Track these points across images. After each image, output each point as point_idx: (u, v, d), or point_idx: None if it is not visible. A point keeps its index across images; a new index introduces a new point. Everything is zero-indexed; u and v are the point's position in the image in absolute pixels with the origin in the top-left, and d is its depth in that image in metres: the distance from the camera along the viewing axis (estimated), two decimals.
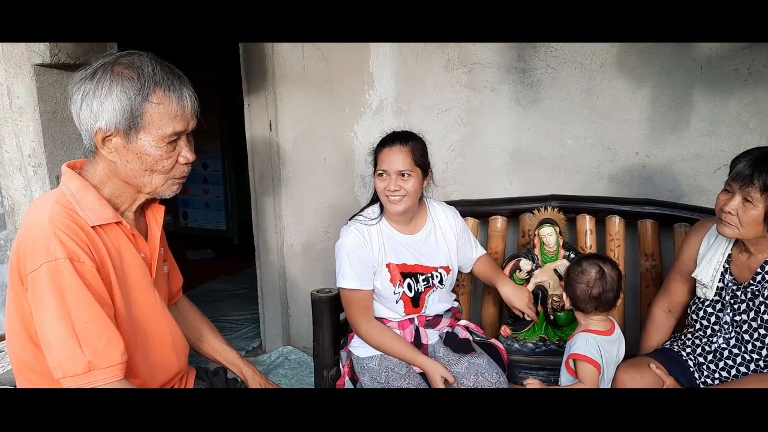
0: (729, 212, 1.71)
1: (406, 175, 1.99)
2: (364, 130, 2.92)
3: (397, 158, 1.99)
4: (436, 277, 2.14)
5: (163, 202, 1.52)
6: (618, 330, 1.98)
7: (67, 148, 2.07)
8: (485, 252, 2.35)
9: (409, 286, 2.09)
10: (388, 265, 2.07)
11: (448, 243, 2.19)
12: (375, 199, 2.15)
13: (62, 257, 1.22)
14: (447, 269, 2.17)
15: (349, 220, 2.15)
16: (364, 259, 2.04)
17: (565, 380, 1.97)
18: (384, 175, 2.01)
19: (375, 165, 2.07)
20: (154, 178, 1.36)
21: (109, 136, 1.30)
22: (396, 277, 2.08)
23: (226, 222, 5.92)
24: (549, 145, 2.60)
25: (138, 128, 1.29)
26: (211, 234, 5.97)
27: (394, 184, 1.99)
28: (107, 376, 1.26)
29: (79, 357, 1.23)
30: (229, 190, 5.79)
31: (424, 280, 2.12)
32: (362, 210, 2.17)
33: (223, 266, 5.18)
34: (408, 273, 2.10)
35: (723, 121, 2.33)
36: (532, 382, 1.96)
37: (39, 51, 2.02)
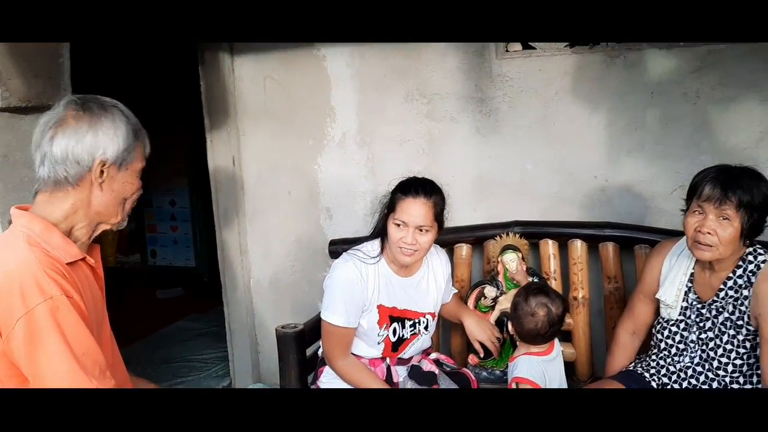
0: (708, 233, 1.74)
1: (424, 230, 1.94)
2: (328, 162, 2.92)
3: (420, 212, 1.92)
4: (423, 323, 2.12)
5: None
6: (557, 347, 2.00)
7: (19, 191, 2.03)
8: (456, 291, 2.36)
9: (394, 330, 2.07)
10: (379, 306, 2.04)
11: (438, 288, 2.18)
12: (376, 233, 2.10)
13: (58, 294, 1.25)
14: (433, 315, 2.16)
15: (346, 252, 2.10)
16: (357, 298, 2.00)
17: None
18: (402, 226, 1.94)
19: (390, 208, 2.00)
20: (126, 205, 1.47)
21: (107, 165, 1.38)
22: (384, 320, 2.05)
23: (195, 258, 5.87)
24: (510, 172, 2.63)
25: (129, 161, 1.42)
26: (180, 271, 5.90)
27: (411, 237, 1.93)
28: None
29: (87, 386, 1.26)
30: (197, 226, 5.74)
31: (411, 326, 2.10)
32: (361, 242, 2.12)
33: (193, 304, 5.09)
34: (396, 317, 2.07)
35: (676, 143, 2.39)
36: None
37: None
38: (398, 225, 1.95)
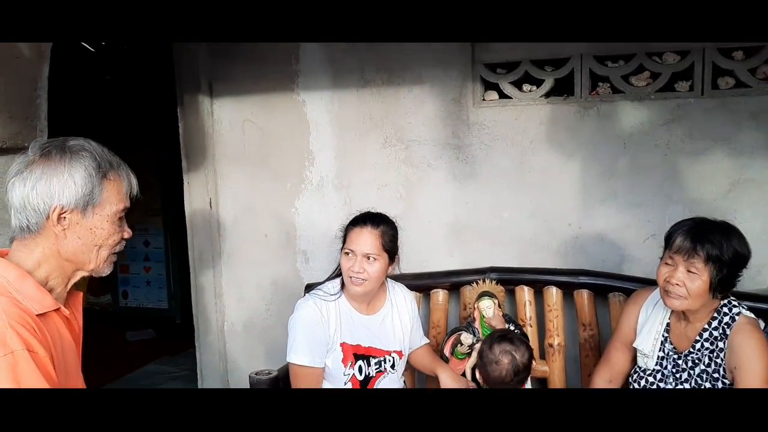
0: (677, 284, 1.76)
1: (371, 258, 1.99)
2: (306, 206, 2.92)
3: (366, 240, 1.99)
4: (389, 361, 2.11)
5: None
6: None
7: None
8: (428, 341, 2.35)
9: (359, 368, 2.06)
10: (342, 345, 2.04)
11: (404, 327, 2.18)
12: (339, 273, 2.13)
13: (19, 349, 1.19)
14: (400, 354, 2.15)
15: (307, 293, 2.12)
16: (319, 336, 2.00)
17: None
18: (350, 254, 2.01)
19: (344, 242, 2.06)
20: (101, 253, 1.40)
21: (66, 212, 1.33)
22: (348, 358, 2.04)
23: (168, 300, 5.77)
24: (486, 218, 2.65)
25: (95, 205, 1.35)
26: (152, 313, 5.80)
27: (359, 265, 1.98)
28: None
29: None
30: (171, 267, 5.67)
31: (376, 364, 2.09)
32: (324, 282, 2.15)
33: (165, 346, 4.98)
34: (361, 355, 2.07)
35: (648, 192, 2.44)
36: None
37: None
38: (347, 254, 2.02)
